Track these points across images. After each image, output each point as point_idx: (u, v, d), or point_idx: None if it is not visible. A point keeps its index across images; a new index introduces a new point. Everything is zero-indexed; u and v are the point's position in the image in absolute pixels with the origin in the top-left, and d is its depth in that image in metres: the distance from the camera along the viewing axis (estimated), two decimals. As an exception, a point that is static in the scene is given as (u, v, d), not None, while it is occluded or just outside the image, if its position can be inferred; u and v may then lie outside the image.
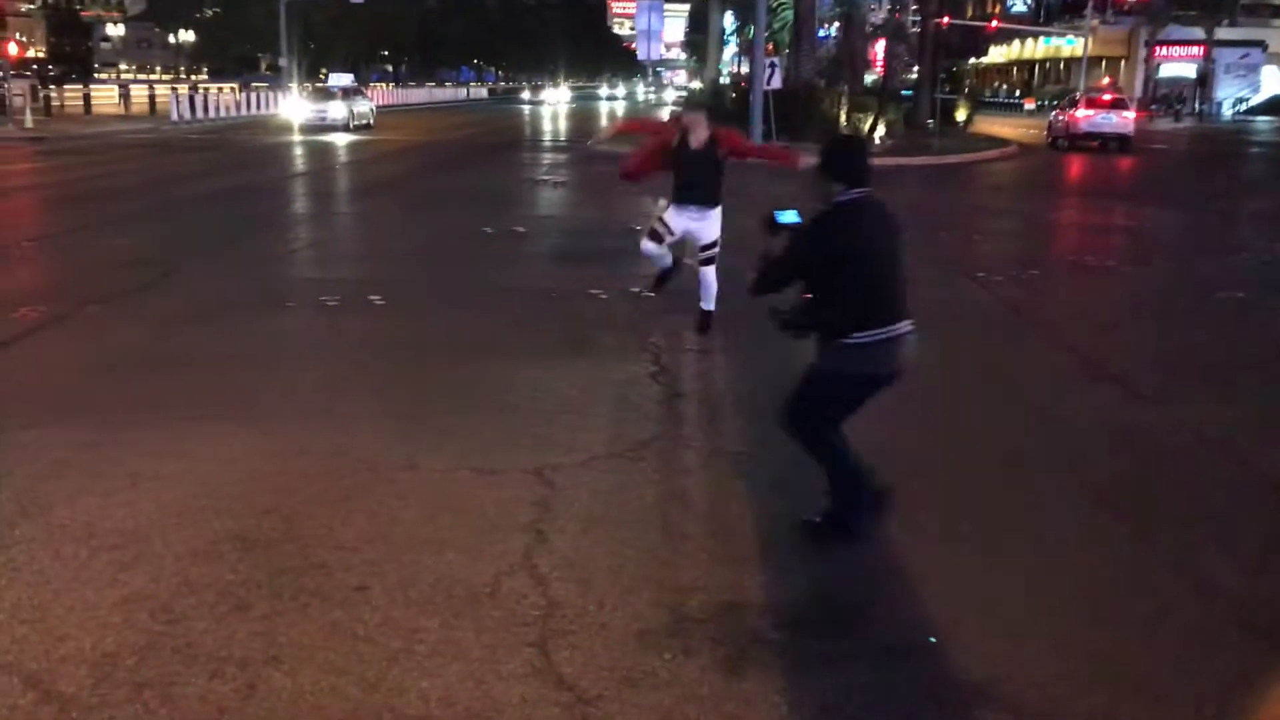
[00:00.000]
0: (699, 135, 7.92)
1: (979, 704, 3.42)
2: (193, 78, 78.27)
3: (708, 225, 8.06)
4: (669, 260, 8.55)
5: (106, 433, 5.66)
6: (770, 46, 32.81)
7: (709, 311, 8.17)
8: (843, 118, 28.79)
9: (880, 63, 44.14)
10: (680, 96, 61.45)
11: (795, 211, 4.44)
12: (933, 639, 3.76)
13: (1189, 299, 10.35)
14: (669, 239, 8.21)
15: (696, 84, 61.93)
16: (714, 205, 8.03)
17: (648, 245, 8.32)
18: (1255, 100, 61.70)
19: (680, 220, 8.09)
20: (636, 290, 9.70)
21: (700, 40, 62.62)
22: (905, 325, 4.33)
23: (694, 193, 7.97)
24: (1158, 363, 7.95)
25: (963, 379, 7.32)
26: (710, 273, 8.09)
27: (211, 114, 39.98)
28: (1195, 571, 4.40)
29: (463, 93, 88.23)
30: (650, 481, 5.21)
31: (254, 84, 56.88)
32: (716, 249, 8.08)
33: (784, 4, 37.12)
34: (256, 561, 4.24)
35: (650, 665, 3.56)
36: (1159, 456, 5.79)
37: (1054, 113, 38.61)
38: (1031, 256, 12.91)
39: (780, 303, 4.42)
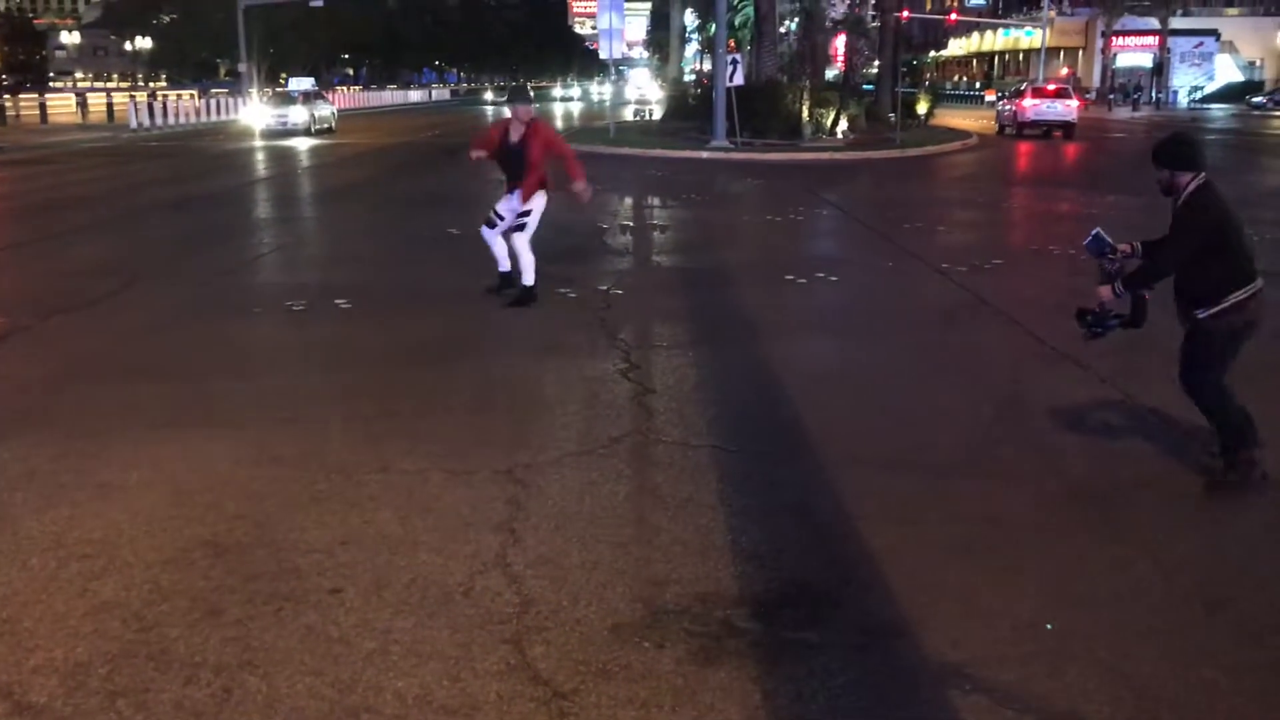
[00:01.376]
0: (518, 129, 8.86)
1: (951, 686, 3.46)
2: (151, 85, 77.50)
3: (517, 204, 8.98)
4: (506, 265, 9.26)
5: (73, 443, 5.61)
6: (732, 43, 32.93)
7: (528, 286, 9.00)
8: (805, 113, 28.92)
9: (841, 57, 44.32)
10: (639, 94, 61.42)
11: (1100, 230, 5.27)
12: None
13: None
14: (500, 225, 9.06)
15: (658, 82, 61.93)
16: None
17: (484, 231, 9.21)
18: (1210, 88, 62.66)
19: (506, 205, 9.03)
20: (605, 288, 9.72)
21: (662, 38, 62.63)
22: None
23: (514, 181, 8.95)
24: (1121, 348, 8.04)
25: (932, 368, 7.40)
26: (519, 241, 8.94)
27: (171, 121, 39.63)
28: (1162, 553, 4.48)
29: (425, 95, 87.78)
30: (622, 477, 5.24)
31: (213, 90, 56.41)
32: (528, 219, 8.92)
33: (745, 1, 37.21)
34: (229, 567, 4.22)
35: (626, 658, 3.59)
36: (1124, 440, 5.88)
37: (1002, 102, 39.19)
38: (995, 246, 13.03)
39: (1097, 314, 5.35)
